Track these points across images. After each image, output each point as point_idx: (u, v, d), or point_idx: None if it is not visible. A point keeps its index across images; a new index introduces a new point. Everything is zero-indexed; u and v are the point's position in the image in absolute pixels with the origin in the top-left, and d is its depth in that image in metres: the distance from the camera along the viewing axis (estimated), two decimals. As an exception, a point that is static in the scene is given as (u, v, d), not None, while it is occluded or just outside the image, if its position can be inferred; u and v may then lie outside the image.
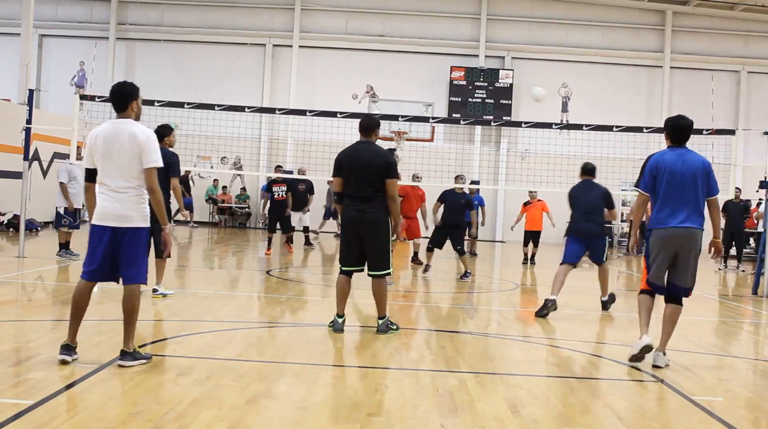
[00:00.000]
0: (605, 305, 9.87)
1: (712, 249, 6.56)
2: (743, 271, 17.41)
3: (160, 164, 5.61)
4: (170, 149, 9.22)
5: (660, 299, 6.60)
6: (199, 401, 4.76)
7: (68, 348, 5.57)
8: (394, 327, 7.49)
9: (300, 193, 17.73)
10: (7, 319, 7.49)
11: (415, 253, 15.47)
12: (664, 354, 6.39)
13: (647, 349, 6.32)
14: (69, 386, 5.00)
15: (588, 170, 10.15)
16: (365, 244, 7.31)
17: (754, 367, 7.10)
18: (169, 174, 8.76)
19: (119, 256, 5.56)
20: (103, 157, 5.55)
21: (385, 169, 7.22)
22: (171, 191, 8.99)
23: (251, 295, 10.97)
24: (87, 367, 5.42)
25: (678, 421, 4.97)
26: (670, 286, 6.45)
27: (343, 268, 7.47)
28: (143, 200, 5.61)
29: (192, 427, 4.27)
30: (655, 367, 6.29)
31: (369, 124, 7.49)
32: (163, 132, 9.12)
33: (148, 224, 5.66)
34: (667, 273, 6.43)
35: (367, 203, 7.22)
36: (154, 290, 8.95)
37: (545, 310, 8.98)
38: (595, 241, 9.74)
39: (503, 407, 4.98)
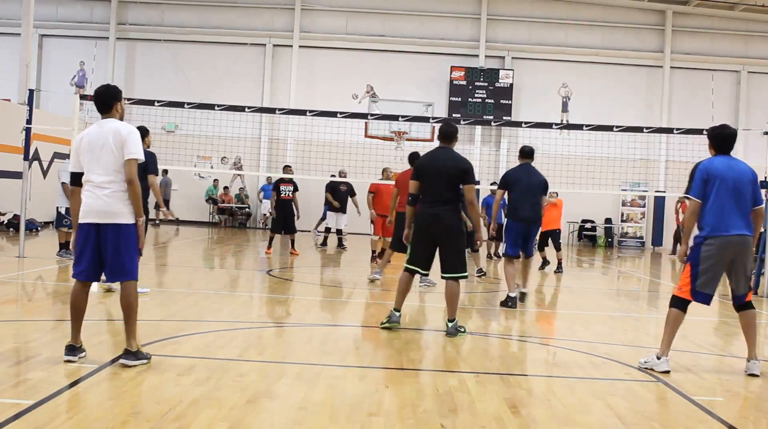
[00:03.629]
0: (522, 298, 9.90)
1: None
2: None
3: (141, 157, 5.67)
4: (148, 149, 9.27)
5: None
6: (199, 401, 4.76)
7: (72, 349, 5.59)
8: (463, 330, 7.51)
9: (341, 193, 17.68)
10: (7, 319, 7.49)
11: (382, 250, 15.25)
12: (758, 360, 6.31)
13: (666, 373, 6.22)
14: (69, 386, 5.00)
15: (527, 153, 9.99)
16: (440, 247, 7.47)
17: (754, 367, 7.09)
18: (147, 171, 8.89)
19: (106, 252, 5.56)
20: (88, 154, 5.62)
21: (462, 174, 7.44)
22: (150, 188, 9.11)
23: (251, 295, 10.96)
24: (87, 367, 5.42)
25: (678, 421, 4.97)
26: (735, 298, 6.38)
27: (409, 267, 7.62)
28: (127, 196, 5.62)
29: (192, 427, 4.27)
30: (751, 375, 6.20)
31: (448, 131, 7.74)
32: (141, 134, 9.24)
33: (134, 220, 5.65)
34: (727, 282, 6.37)
35: (443, 207, 7.40)
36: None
37: None
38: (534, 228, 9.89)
39: (503, 407, 4.98)
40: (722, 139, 6.38)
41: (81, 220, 5.60)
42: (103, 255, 5.57)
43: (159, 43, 26.95)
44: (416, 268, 7.66)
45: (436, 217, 7.41)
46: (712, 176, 6.18)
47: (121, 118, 5.85)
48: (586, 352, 7.18)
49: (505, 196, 9.86)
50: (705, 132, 6.63)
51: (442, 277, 7.62)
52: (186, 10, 27.07)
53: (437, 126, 19.79)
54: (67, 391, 4.91)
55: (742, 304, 6.37)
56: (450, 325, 7.46)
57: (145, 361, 5.59)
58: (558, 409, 5.07)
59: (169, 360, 5.88)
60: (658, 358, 6.24)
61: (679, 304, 6.30)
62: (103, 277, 5.86)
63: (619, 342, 7.90)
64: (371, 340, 7.27)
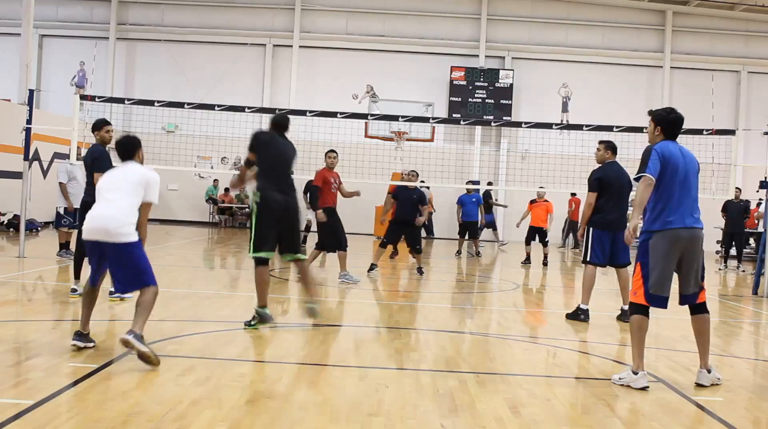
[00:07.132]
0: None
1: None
2: (743, 271, 17.41)
3: (156, 202, 6.05)
4: (101, 146, 8.74)
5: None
6: (199, 401, 4.76)
7: (80, 335, 5.76)
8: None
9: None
10: (7, 319, 7.49)
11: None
12: (709, 371, 5.80)
13: (645, 389, 5.60)
14: (69, 386, 5.00)
15: (616, 149, 9.34)
16: (288, 227, 7.48)
17: (754, 367, 7.10)
18: (94, 169, 8.31)
19: (112, 268, 5.96)
20: (110, 185, 5.96)
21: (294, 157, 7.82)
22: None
23: (251, 295, 10.93)
24: (87, 367, 5.43)
25: (678, 421, 4.97)
26: (683, 298, 5.83)
27: (265, 257, 7.40)
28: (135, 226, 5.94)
29: (192, 427, 4.27)
30: (699, 386, 5.74)
31: (286, 122, 8.04)
32: (97, 126, 8.75)
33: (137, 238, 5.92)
34: (676, 283, 5.76)
35: (290, 189, 7.57)
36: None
37: None
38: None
39: (503, 407, 4.98)
40: (672, 123, 5.85)
41: (85, 238, 5.83)
42: (110, 270, 5.91)
43: (159, 43, 26.96)
44: (268, 254, 7.40)
45: (286, 196, 7.50)
46: (667, 162, 5.66)
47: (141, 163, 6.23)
48: (586, 352, 7.19)
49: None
50: (649, 114, 6.01)
51: (289, 259, 7.60)
52: (186, 10, 27.08)
53: (437, 126, 19.86)
54: (67, 391, 4.91)
55: (694, 306, 5.83)
56: (309, 305, 7.37)
57: (142, 346, 5.51)
58: (558, 409, 5.07)
59: (169, 360, 5.88)
60: (635, 374, 5.63)
61: (639, 310, 5.72)
62: (112, 288, 6.12)
63: (619, 342, 7.90)
64: (371, 340, 7.27)
